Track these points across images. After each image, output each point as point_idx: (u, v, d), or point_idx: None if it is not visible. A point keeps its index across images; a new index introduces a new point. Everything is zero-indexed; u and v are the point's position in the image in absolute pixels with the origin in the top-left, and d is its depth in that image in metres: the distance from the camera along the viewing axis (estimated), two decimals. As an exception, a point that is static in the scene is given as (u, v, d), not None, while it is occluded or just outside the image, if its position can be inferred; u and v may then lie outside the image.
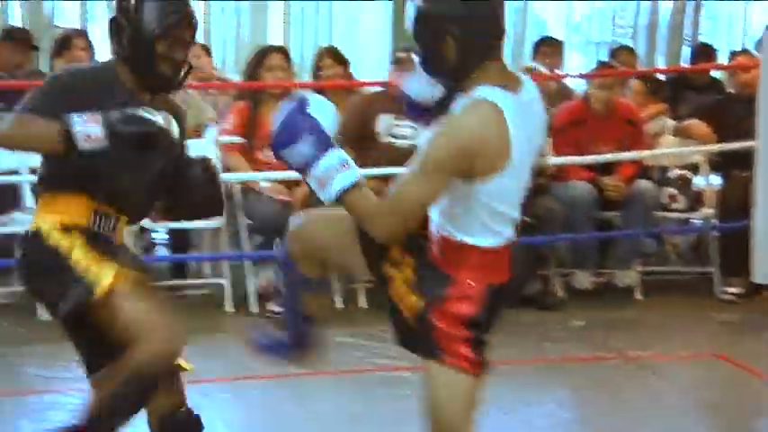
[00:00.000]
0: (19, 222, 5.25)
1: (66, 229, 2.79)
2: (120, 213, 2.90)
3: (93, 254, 2.77)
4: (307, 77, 6.68)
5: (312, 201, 5.44)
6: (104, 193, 2.83)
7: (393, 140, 5.68)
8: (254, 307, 5.47)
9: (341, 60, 6.14)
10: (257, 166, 5.53)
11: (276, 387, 4.46)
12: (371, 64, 6.82)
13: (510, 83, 2.50)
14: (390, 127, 5.69)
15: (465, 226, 2.55)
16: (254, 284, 5.53)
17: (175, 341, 2.78)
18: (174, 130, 2.88)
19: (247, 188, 5.56)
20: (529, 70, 6.39)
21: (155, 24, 2.80)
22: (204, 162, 3.03)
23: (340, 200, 2.51)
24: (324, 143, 2.51)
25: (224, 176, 5.54)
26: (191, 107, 5.94)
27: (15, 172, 5.44)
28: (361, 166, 5.63)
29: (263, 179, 5.49)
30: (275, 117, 2.56)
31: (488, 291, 2.61)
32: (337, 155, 2.51)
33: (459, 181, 2.46)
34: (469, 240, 2.56)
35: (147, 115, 2.68)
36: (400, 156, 5.54)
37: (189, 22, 2.87)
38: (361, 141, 5.68)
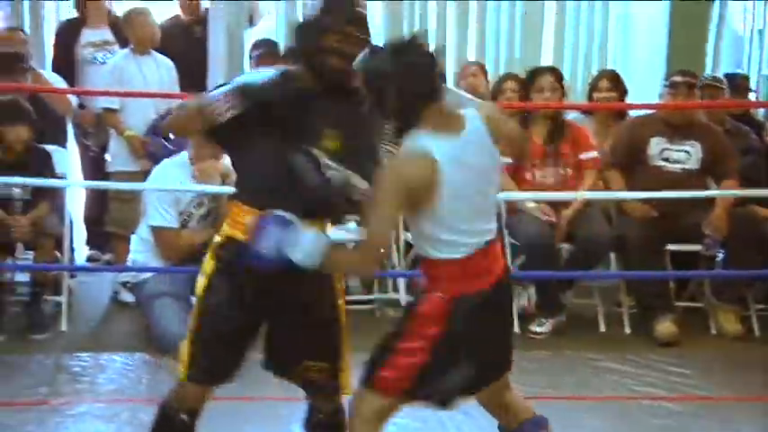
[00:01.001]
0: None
1: None
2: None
3: None
4: (579, 98, 6.64)
5: (577, 223, 5.44)
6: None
7: (664, 164, 5.56)
8: (516, 327, 5.47)
9: (619, 86, 6.07)
10: (523, 185, 5.54)
11: (537, 409, 4.43)
12: (643, 86, 6.70)
13: (450, 126, 2.84)
14: (662, 151, 5.58)
15: (433, 243, 2.89)
16: (517, 305, 5.54)
17: None
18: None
19: (513, 208, 5.58)
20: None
21: (321, 19, 2.90)
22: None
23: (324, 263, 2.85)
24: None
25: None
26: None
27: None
28: (631, 190, 5.63)
29: (529, 199, 5.49)
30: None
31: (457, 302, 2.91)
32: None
33: (405, 212, 2.88)
34: (439, 255, 2.90)
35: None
36: (672, 180, 5.47)
37: (357, 19, 2.93)
38: (632, 165, 5.60)
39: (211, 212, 5.23)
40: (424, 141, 2.81)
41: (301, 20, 2.99)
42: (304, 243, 2.82)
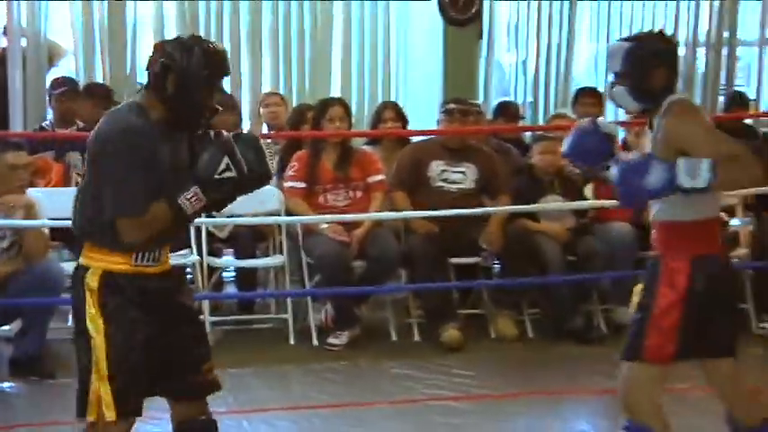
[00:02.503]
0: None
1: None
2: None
3: None
4: (365, 127, 6.73)
5: (368, 242, 5.52)
6: None
7: (444, 185, 5.71)
8: (315, 340, 5.49)
9: (401, 116, 6.22)
10: (317, 209, 5.59)
11: (336, 416, 4.47)
12: (421, 114, 6.87)
13: None
14: (441, 172, 5.72)
15: (688, 200, 3.03)
16: (315, 319, 5.56)
17: None
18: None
19: (308, 229, 5.61)
20: (561, 117, 6.43)
21: (201, 73, 2.85)
22: (249, 139, 2.96)
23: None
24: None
25: (287, 219, 5.63)
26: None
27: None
28: (415, 209, 5.73)
29: (323, 221, 5.54)
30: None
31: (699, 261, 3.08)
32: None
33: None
34: (689, 215, 3.09)
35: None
36: (451, 199, 5.61)
37: (226, 73, 2.95)
38: (415, 186, 5.72)
39: (14, 244, 5.02)
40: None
41: (171, 64, 2.85)
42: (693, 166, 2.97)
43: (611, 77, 3.29)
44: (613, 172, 3.12)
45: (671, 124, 3.07)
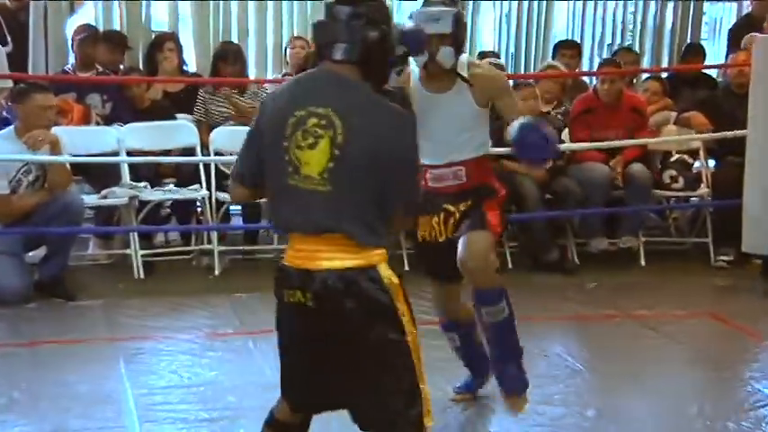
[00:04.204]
0: (117, 195, 5.30)
1: None
2: None
3: None
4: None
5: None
6: None
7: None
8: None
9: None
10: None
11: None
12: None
13: None
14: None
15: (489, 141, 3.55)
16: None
17: None
18: None
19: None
20: (550, 67, 6.33)
21: (397, 50, 2.54)
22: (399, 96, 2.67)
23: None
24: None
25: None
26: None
27: (116, 153, 5.49)
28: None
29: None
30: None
31: None
32: None
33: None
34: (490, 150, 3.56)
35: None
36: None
37: None
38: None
39: (39, 178, 4.97)
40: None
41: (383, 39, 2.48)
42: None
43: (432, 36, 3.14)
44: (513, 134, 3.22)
45: (489, 81, 3.34)
